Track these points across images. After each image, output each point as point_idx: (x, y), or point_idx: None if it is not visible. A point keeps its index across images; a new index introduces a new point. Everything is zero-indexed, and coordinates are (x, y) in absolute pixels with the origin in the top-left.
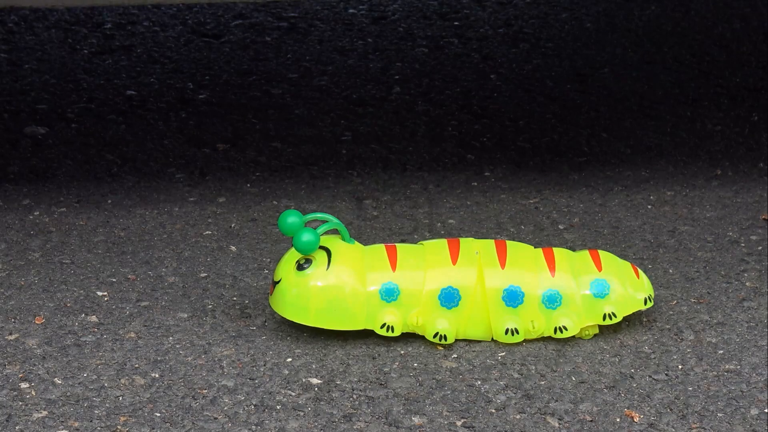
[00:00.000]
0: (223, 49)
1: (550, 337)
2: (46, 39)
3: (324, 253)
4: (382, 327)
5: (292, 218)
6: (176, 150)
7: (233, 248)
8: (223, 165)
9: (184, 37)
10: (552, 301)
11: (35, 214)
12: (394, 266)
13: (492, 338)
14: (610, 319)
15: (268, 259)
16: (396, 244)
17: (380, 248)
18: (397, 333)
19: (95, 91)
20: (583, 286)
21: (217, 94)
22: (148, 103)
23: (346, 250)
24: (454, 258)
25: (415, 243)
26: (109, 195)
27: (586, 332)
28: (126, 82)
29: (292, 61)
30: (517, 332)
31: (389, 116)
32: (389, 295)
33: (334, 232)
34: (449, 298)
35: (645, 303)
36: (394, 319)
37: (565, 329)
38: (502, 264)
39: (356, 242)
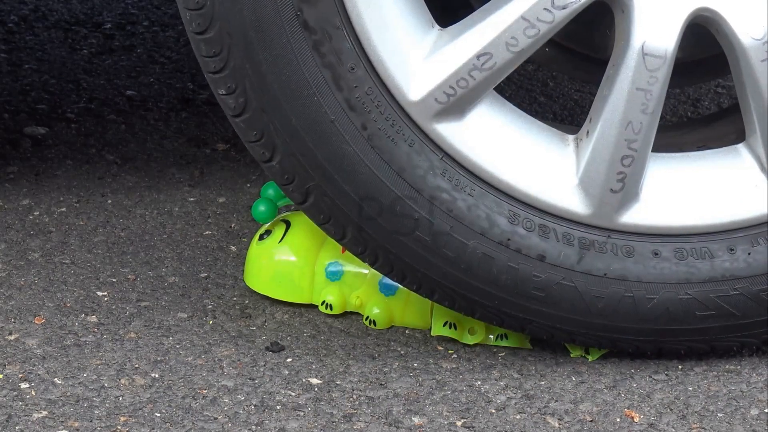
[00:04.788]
0: None
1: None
2: (46, 39)
3: (283, 227)
4: (322, 304)
5: (263, 207)
6: (176, 150)
7: (233, 248)
8: (223, 165)
9: (184, 37)
10: None
11: (35, 214)
12: (344, 248)
13: (430, 326)
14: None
15: None
16: None
17: None
18: (336, 311)
19: (95, 91)
20: None
21: None
22: (148, 103)
23: (306, 226)
24: None
25: None
26: (109, 195)
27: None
28: (126, 82)
29: None
30: (455, 327)
31: None
32: (334, 275)
33: None
34: (388, 287)
35: None
36: (333, 299)
37: (505, 337)
38: None
39: None
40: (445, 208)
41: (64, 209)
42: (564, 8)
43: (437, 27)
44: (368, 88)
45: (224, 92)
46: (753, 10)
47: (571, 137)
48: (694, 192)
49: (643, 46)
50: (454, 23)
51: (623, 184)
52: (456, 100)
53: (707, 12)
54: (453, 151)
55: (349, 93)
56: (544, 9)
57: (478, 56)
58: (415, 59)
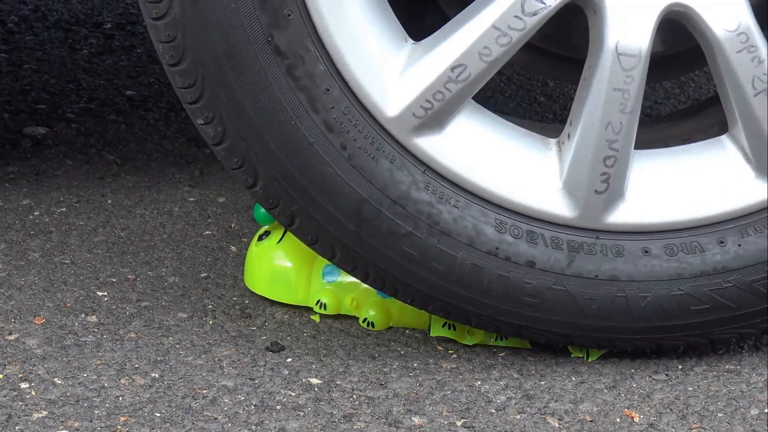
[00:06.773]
0: None
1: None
2: (46, 39)
3: (282, 228)
4: (316, 304)
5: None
6: (176, 150)
7: (233, 248)
8: (223, 165)
9: None
10: None
11: (35, 214)
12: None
13: (428, 326)
14: None
15: None
16: None
17: None
18: (330, 312)
19: (95, 91)
20: None
21: None
22: (148, 103)
23: None
24: None
25: None
26: (109, 195)
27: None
28: (126, 82)
29: None
30: (454, 328)
31: None
32: (331, 276)
33: None
34: None
35: None
36: (327, 300)
37: (505, 337)
38: None
39: None
40: (431, 221)
41: (64, 209)
42: (535, 14)
43: (410, 41)
44: (345, 107)
45: (202, 122)
46: (725, 3)
47: (553, 141)
48: (681, 186)
49: (617, 46)
50: (427, 36)
51: (608, 184)
52: (434, 113)
53: (680, 7)
54: (435, 164)
55: (326, 114)
56: (515, 17)
57: (453, 68)
58: (390, 75)
